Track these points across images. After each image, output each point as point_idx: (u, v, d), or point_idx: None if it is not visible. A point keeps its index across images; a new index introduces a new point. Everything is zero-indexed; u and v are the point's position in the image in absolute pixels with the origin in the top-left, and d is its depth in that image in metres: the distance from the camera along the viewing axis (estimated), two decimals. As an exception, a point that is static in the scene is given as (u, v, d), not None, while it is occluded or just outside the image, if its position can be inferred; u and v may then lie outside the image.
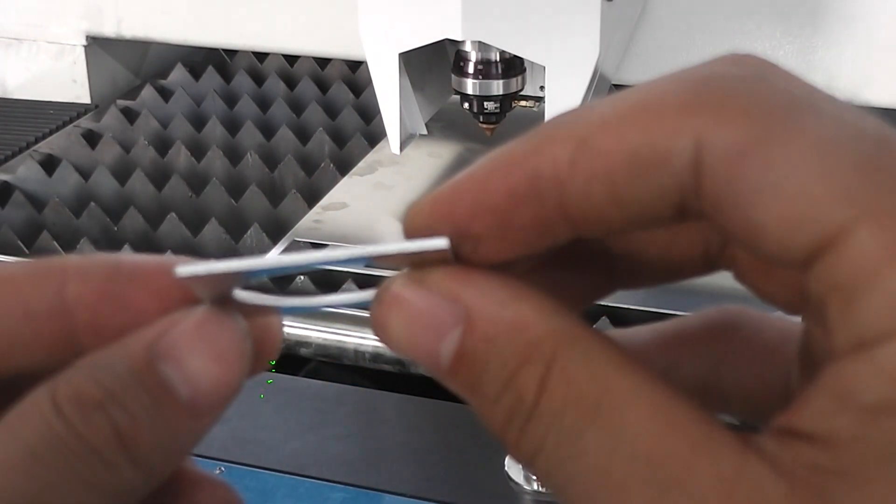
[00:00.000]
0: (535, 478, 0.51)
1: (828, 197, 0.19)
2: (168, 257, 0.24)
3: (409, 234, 0.23)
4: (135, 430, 0.22)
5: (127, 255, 0.25)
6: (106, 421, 0.22)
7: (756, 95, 0.21)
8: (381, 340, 0.23)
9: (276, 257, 0.24)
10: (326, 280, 0.68)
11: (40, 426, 0.22)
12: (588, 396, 0.21)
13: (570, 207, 0.21)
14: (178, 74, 0.98)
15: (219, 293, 0.23)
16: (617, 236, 0.25)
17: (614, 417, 0.20)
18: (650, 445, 0.20)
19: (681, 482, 0.20)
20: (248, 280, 0.23)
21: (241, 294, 0.23)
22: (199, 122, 0.90)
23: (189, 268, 0.22)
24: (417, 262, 0.23)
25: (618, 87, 0.86)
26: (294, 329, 0.63)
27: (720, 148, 0.20)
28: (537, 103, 0.72)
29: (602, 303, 0.65)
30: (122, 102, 0.93)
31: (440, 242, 0.22)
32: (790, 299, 0.24)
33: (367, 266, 0.25)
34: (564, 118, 0.22)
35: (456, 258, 0.22)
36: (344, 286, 0.66)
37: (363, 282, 0.67)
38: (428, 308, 0.22)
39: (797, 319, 0.24)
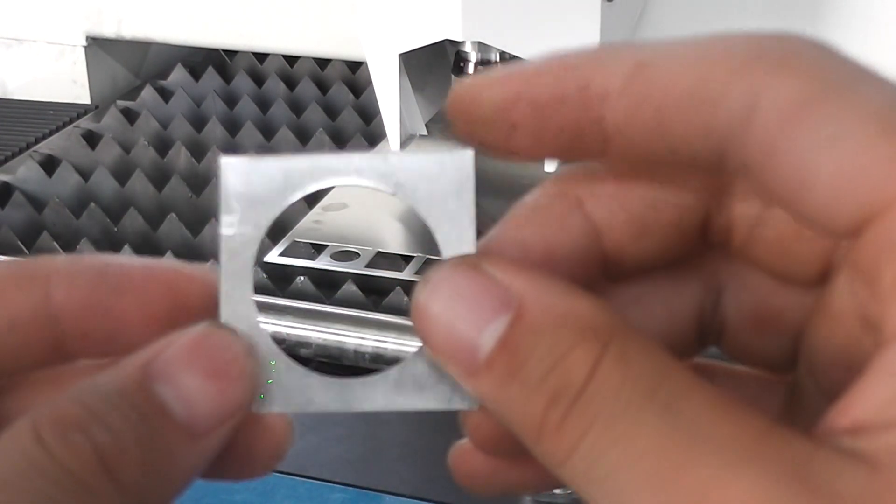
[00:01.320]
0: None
1: (889, 158, 0.19)
2: (155, 261, 0.24)
3: (454, 111, 0.23)
4: (119, 452, 0.21)
5: (114, 259, 0.24)
6: (86, 442, 0.21)
7: (818, 58, 0.21)
8: (416, 326, 0.22)
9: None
10: (327, 281, 0.68)
11: (15, 452, 0.20)
12: (646, 379, 0.20)
13: (610, 123, 0.21)
14: (178, 75, 0.98)
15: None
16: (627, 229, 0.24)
17: (674, 399, 0.19)
18: (716, 429, 0.19)
19: (751, 462, 0.19)
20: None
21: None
22: (199, 122, 0.90)
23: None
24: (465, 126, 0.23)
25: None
26: (294, 329, 0.63)
27: (779, 98, 0.20)
28: (537, 103, 0.72)
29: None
30: (122, 103, 0.93)
31: (468, 403, 0.23)
32: (809, 274, 0.23)
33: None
34: (630, 44, 0.22)
35: (484, 148, 0.23)
36: (343, 287, 0.66)
37: (363, 283, 0.67)
38: (477, 290, 0.21)
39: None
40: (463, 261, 0.22)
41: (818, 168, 0.20)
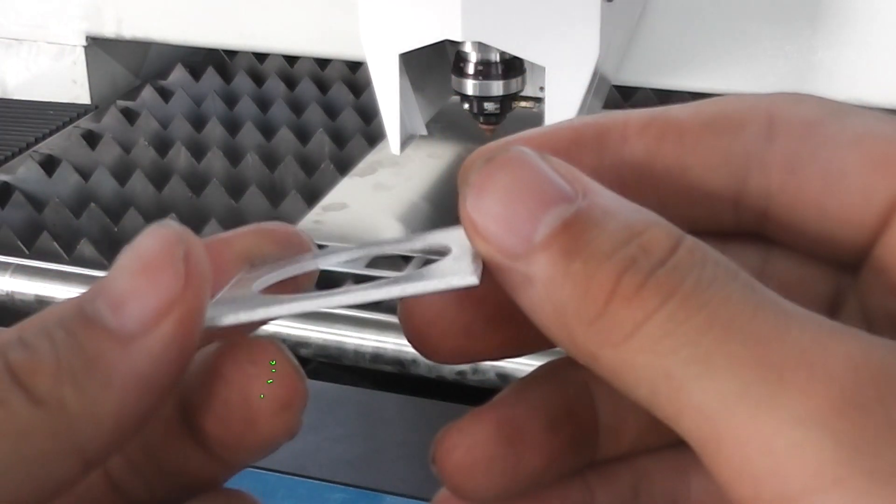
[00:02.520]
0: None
1: None
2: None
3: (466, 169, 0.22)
4: (32, 365, 0.20)
5: None
6: (0, 359, 0.20)
7: (823, 100, 0.22)
8: (465, 212, 0.20)
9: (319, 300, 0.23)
10: (327, 281, 0.68)
11: None
12: (725, 263, 0.19)
13: (629, 164, 0.22)
14: (178, 75, 0.98)
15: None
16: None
17: (757, 286, 0.19)
18: (800, 309, 0.18)
19: (844, 333, 0.18)
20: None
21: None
22: (199, 122, 0.90)
23: (222, 316, 0.21)
24: None
25: (618, 87, 0.86)
26: (294, 330, 0.63)
27: (796, 118, 0.21)
28: (537, 104, 0.72)
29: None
30: (122, 103, 0.93)
31: (471, 279, 0.20)
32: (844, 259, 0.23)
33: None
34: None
35: None
36: (343, 287, 0.66)
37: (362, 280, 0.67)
38: (541, 175, 0.20)
39: None
40: (520, 149, 0.20)
41: (845, 165, 0.20)
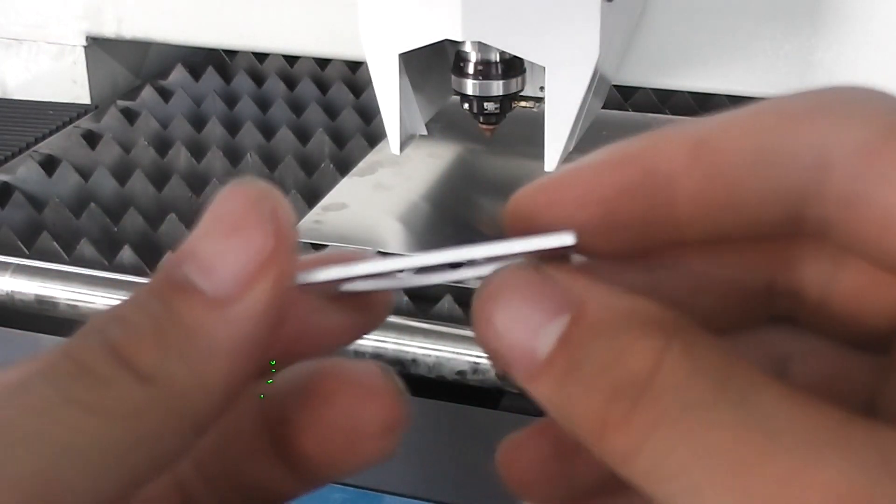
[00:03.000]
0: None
1: None
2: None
3: (511, 221, 0.22)
4: (133, 341, 0.20)
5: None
6: (100, 339, 0.20)
7: (877, 104, 0.21)
8: (476, 325, 0.21)
9: (407, 260, 0.22)
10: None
11: (41, 363, 0.20)
12: (715, 369, 0.19)
13: (681, 207, 0.21)
14: (178, 75, 0.98)
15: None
16: (715, 250, 0.23)
17: (746, 392, 0.18)
18: (794, 420, 0.18)
19: (834, 450, 0.18)
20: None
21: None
22: (199, 122, 0.90)
23: (310, 276, 0.21)
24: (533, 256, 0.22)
25: (618, 87, 0.86)
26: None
27: (848, 146, 0.20)
28: (537, 104, 0.72)
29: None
30: (122, 103, 0.93)
31: (566, 238, 0.21)
32: (882, 332, 0.22)
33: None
34: (684, 123, 0.22)
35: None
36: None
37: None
38: (537, 292, 0.20)
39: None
40: (525, 265, 0.21)
41: None
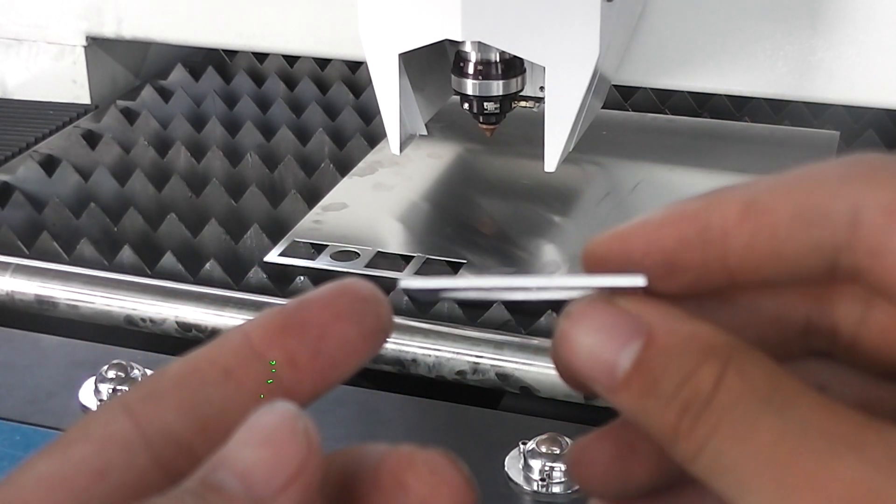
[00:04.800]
0: (537, 479, 0.51)
1: None
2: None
3: (588, 262, 0.26)
4: None
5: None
6: None
7: None
8: (559, 354, 0.25)
9: (505, 282, 0.26)
10: (327, 281, 0.68)
11: None
12: (762, 389, 0.23)
13: (732, 257, 0.25)
14: (178, 75, 0.98)
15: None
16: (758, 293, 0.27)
17: (785, 404, 0.23)
18: (822, 424, 0.23)
19: (851, 449, 0.22)
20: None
21: (410, 282, 0.25)
22: (199, 122, 0.90)
23: (415, 282, 0.24)
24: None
25: (618, 87, 0.86)
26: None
27: (875, 206, 0.24)
28: (537, 104, 0.72)
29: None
30: (122, 103, 0.93)
31: (638, 280, 0.25)
32: None
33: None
34: (734, 186, 0.26)
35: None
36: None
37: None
38: (613, 320, 0.25)
39: None
40: (599, 297, 0.25)
41: None
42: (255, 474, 0.22)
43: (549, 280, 0.26)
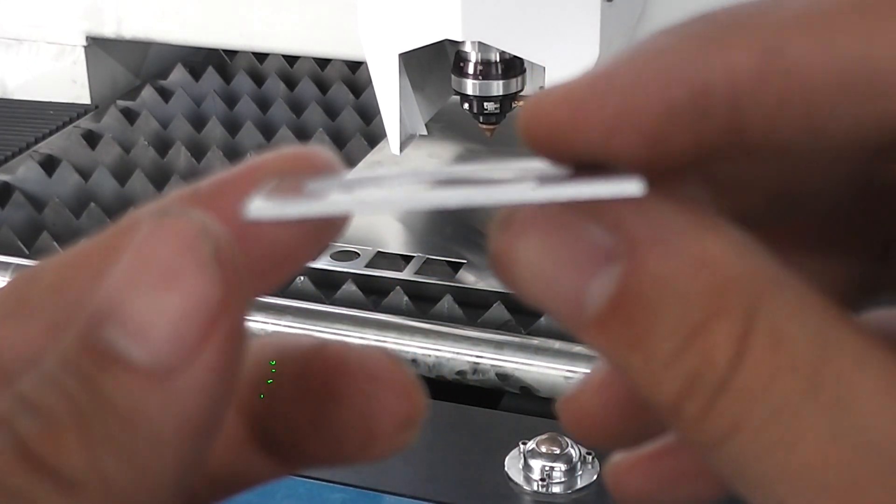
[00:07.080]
0: (537, 479, 0.51)
1: None
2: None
3: (529, 136, 0.17)
4: (50, 438, 0.15)
5: None
6: (6, 438, 0.15)
7: None
8: (500, 277, 0.17)
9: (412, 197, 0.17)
10: (327, 281, 0.68)
11: None
12: (806, 365, 0.15)
13: (747, 134, 0.16)
14: (178, 75, 0.98)
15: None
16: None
17: (841, 393, 0.15)
18: (889, 432, 0.15)
19: None
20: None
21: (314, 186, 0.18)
22: (199, 122, 0.90)
23: (264, 206, 0.16)
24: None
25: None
26: (294, 329, 0.63)
27: None
28: (537, 104, 0.71)
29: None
30: (122, 103, 0.93)
31: (632, 187, 0.16)
32: None
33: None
34: (741, 14, 0.16)
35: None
36: (343, 286, 0.66)
37: (362, 283, 0.67)
38: (576, 236, 0.16)
39: None
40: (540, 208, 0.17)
41: None
42: (154, 331, 0.15)
43: (488, 175, 0.17)
